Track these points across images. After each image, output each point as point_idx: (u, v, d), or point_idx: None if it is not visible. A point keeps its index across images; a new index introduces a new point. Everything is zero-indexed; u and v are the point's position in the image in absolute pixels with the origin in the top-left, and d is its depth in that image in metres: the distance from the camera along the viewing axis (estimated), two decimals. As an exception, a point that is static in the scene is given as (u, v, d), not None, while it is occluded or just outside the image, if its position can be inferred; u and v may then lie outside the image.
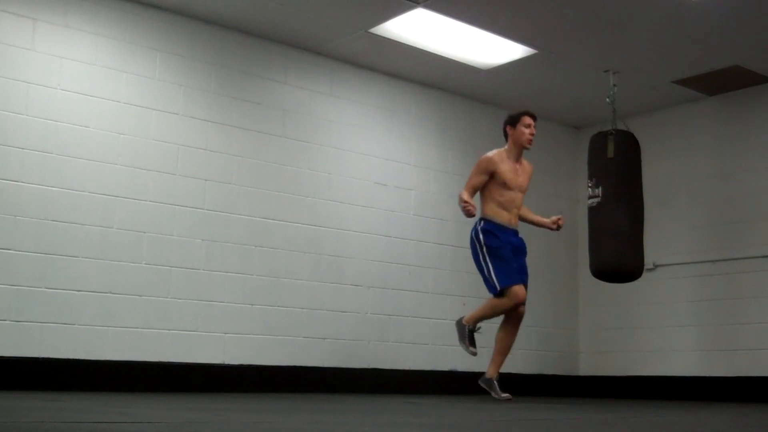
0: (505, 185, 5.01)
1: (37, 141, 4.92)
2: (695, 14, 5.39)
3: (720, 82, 6.54)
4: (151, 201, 5.29)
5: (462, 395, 5.82)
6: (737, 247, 6.53)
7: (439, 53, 6.10)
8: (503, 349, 5.04)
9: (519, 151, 5.11)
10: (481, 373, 5.11)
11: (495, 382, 4.99)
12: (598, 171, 5.73)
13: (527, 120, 5.08)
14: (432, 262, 6.50)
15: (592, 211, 5.72)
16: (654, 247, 6.51)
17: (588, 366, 7.37)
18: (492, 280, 4.91)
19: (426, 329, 6.38)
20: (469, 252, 5.10)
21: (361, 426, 2.58)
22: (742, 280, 6.48)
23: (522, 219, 5.21)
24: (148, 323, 5.17)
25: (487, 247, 4.96)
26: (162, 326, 5.22)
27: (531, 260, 5.25)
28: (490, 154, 5.07)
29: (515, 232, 5.09)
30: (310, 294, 5.85)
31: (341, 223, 6.08)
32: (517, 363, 6.59)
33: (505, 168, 5.03)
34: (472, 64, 6.29)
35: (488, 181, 5.03)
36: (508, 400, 4.90)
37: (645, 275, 5.96)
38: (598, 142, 5.79)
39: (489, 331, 5.22)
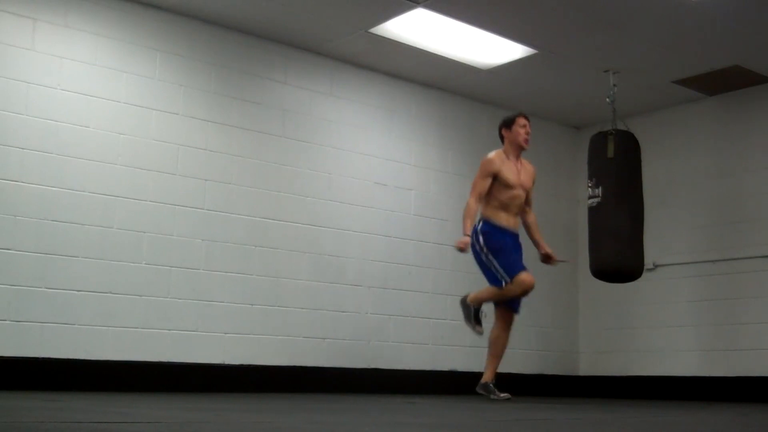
0: (507, 184, 5.07)
1: (37, 141, 4.92)
2: (695, 14, 5.39)
3: (720, 82, 6.54)
4: (151, 201, 5.29)
5: (462, 395, 5.82)
6: (737, 247, 6.53)
7: (439, 53, 6.10)
8: (497, 353, 5.08)
9: (517, 151, 5.18)
10: (481, 374, 5.11)
11: (492, 384, 5.01)
12: (598, 171, 5.73)
13: (522, 121, 5.18)
14: (432, 262, 6.50)
15: (592, 211, 5.72)
16: (654, 247, 6.51)
17: (588, 366, 7.37)
18: (501, 275, 4.93)
19: (426, 329, 6.38)
20: (469, 252, 5.11)
21: (361, 426, 2.58)
22: (742, 280, 6.48)
23: (526, 229, 5.28)
24: (148, 323, 5.17)
25: (487, 248, 4.99)
26: (162, 326, 5.22)
27: (532, 260, 5.26)
28: (491, 155, 5.12)
29: (514, 235, 5.11)
30: (310, 294, 5.85)
31: (341, 223, 6.08)
32: (517, 363, 6.59)
33: (507, 167, 5.09)
34: (472, 64, 6.29)
35: (491, 182, 5.08)
36: (508, 399, 4.92)
37: (645, 275, 5.95)
38: (598, 142, 5.78)
39: (487, 332, 5.22)
